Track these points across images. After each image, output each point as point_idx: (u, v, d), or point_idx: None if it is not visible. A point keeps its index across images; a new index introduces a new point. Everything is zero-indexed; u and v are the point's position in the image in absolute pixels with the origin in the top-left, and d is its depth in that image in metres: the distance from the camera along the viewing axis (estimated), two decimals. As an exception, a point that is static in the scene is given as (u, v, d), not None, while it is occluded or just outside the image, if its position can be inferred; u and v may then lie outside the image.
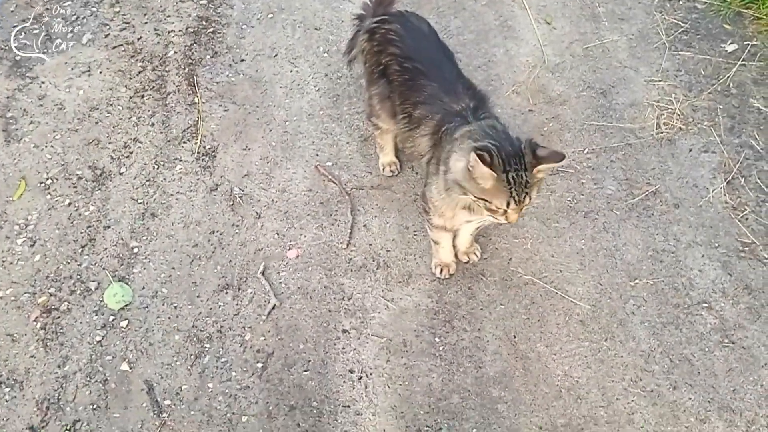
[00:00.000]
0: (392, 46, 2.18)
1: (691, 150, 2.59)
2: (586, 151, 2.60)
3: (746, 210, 2.43)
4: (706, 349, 2.14)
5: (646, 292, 2.26)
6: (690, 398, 2.05)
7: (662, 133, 2.64)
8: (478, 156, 1.68)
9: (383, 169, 2.54)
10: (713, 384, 2.07)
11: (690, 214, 2.43)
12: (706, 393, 2.06)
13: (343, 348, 2.18)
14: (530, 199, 1.79)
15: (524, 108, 2.74)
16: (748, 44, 2.85)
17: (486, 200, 1.80)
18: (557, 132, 2.66)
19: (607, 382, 2.09)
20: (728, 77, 2.76)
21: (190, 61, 2.93)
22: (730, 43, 2.87)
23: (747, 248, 2.34)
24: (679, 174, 2.53)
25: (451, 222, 2.08)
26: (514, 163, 1.74)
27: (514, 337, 2.17)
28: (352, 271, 2.34)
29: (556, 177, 2.53)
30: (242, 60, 2.91)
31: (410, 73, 2.13)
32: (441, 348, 2.18)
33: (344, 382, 2.12)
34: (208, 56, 2.93)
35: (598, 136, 2.65)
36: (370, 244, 2.40)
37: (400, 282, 2.31)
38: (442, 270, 2.29)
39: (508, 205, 1.77)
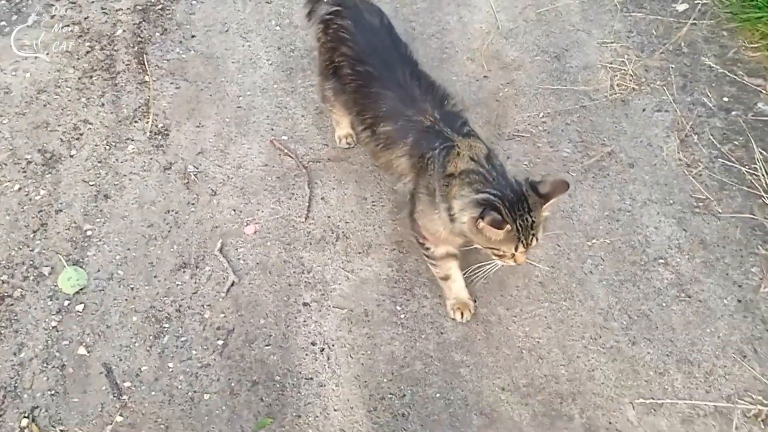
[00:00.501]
0: (344, 45, 2.11)
1: (644, 110, 2.61)
2: (541, 115, 2.61)
3: (700, 166, 2.46)
4: (664, 304, 2.17)
5: (603, 252, 2.27)
6: (649, 352, 2.08)
7: (616, 94, 2.66)
8: (491, 220, 1.66)
9: (339, 141, 2.52)
10: (671, 338, 2.11)
11: (645, 173, 2.45)
12: (665, 347, 2.09)
13: (305, 321, 2.17)
14: (537, 240, 1.76)
15: (479, 75, 2.73)
16: (699, 3, 2.87)
17: (494, 248, 1.78)
18: (512, 97, 2.66)
19: (567, 341, 2.11)
20: (679, 36, 2.78)
21: (139, 39, 2.86)
22: (681, 3, 2.89)
23: (701, 204, 2.37)
24: (633, 134, 2.55)
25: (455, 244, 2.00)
26: (519, 209, 1.70)
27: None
28: (311, 244, 2.32)
29: (512, 142, 2.54)
30: (193, 36, 2.85)
31: (363, 78, 2.05)
32: (402, 316, 2.17)
33: (306, 354, 2.11)
34: (157, 33, 2.87)
35: (553, 99, 2.65)
36: (329, 217, 2.38)
37: (359, 253, 2.30)
38: (462, 313, 2.11)
39: (516, 249, 1.75)
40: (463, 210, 1.76)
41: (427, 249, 2.04)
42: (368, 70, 2.05)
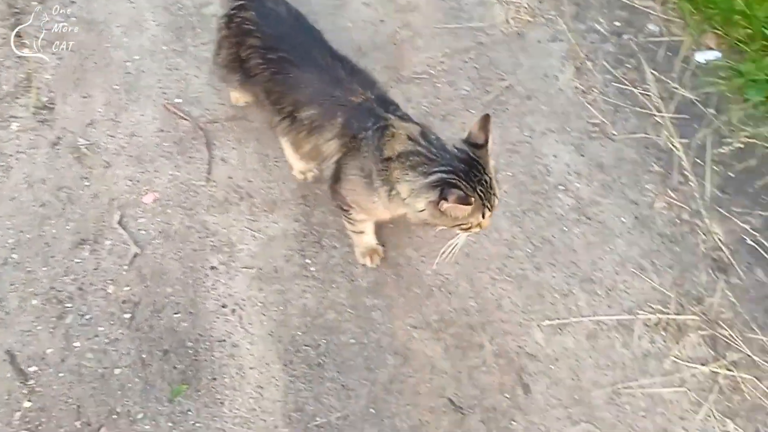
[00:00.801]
0: (251, 37, 1.97)
1: (539, 41, 2.63)
2: (439, 55, 2.59)
3: (594, 92, 2.50)
4: (565, 229, 2.22)
5: (506, 185, 2.30)
6: (553, 276, 2.13)
7: (511, 28, 2.66)
8: (456, 198, 1.56)
9: (236, 100, 2.45)
10: (574, 260, 2.16)
11: (542, 104, 2.47)
12: (568, 269, 2.15)
13: (213, 285, 2.13)
14: (498, 198, 1.69)
15: (375, 19, 2.68)
16: (586, -70, 2.88)
17: (461, 224, 1.69)
18: (409, 40, 2.63)
19: (474, 275, 2.14)
20: (569, -35, 2.79)
21: (14, 10, 2.69)
22: (569, -69, 2.89)
23: (597, 128, 2.42)
24: (530, 66, 2.56)
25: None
26: (475, 175, 1.63)
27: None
28: (214, 207, 2.27)
29: (412, 85, 2.52)
30: (72, 2, 2.70)
31: (276, 65, 1.92)
32: (312, 269, 2.16)
33: (217, 317, 2.08)
34: (34, 3, 2.70)
35: (450, 38, 2.64)
36: (231, 177, 2.33)
37: (265, 210, 2.26)
38: (372, 258, 2.13)
39: (483, 216, 1.68)
40: (416, 196, 1.67)
41: (350, 215, 1.99)
42: (282, 56, 1.93)
